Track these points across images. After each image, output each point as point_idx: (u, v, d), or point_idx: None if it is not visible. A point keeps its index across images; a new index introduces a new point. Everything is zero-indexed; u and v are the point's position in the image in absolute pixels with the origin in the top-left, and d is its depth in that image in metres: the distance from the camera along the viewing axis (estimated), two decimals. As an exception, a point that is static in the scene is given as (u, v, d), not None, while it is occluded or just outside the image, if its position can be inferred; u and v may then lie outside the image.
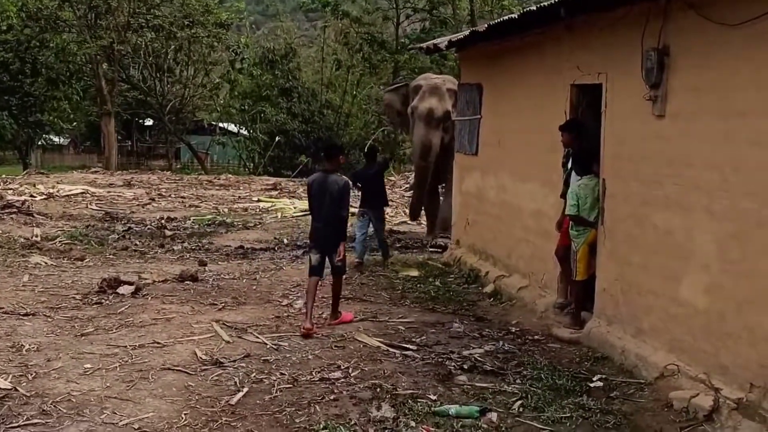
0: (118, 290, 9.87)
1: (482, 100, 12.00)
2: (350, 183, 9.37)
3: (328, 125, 39.72)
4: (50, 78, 38.80)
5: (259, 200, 21.15)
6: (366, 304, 10.01)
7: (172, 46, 40.51)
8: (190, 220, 17.41)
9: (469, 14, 35.61)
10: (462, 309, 9.88)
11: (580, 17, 8.44)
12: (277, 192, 24.26)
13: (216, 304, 9.55)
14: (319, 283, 9.05)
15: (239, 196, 22.54)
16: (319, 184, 8.87)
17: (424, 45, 13.63)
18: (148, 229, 16.14)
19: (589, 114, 8.92)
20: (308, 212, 17.75)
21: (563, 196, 8.91)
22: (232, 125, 45.31)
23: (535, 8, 8.75)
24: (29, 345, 7.69)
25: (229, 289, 10.50)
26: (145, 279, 10.75)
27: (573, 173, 8.69)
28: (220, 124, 46.75)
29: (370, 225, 12.73)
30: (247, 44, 41.02)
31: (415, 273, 11.91)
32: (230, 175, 31.44)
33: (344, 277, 9.55)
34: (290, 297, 10.13)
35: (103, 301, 9.56)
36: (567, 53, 9.19)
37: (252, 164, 40.39)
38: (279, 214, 18.28)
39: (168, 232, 15.54)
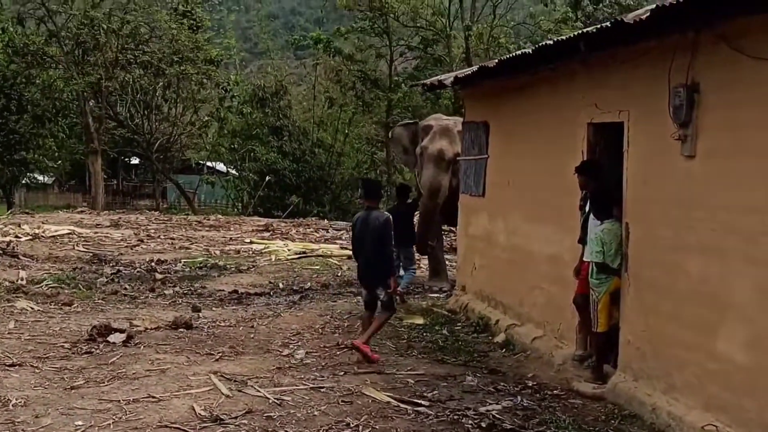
0: (108, 338, 9.32)
1: (489, 138, 11.58)
2: (391, 219, 9.14)
3: (319, 164, 39.22)
4: (36, 115, 38.23)
5: (251, 242, 20.60)
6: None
7: (161, 83, 39.94)
8: (180, 262, 16.83)
9: (464, 52, 35.42)
10: (473, 360, 9.35)
11: (598, 52, 8.03)
12: (269, 233, 23.70)
13: (213, 354, 9.00)
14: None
15: (230, 238, 21.96)
16: (362, 222, 9.17)
17: (428, 81, 13.20)
18: (138, 272, 15.56)
19: (607, 154, 8.51)
20: (303, 254, 17.98)
21: (581, 241, 8.45)
22: (220, 164, 44.89)
23: (551, 42, 8.35)
24: (16, 399, 7.14)
25: (225, 337, 9.96)
26: (137, 326, 10.21)
27: (591, 217, 8.24)
28: (208, 163, 46.31)
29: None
30: (237, 81, 40.68)
31: (420, 321, 11.40)
32: (220, 216, 30.87)
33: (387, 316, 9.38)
34: (291, 346, 9.59)
35: (93, 350, 9.01)
36: (583, 90, 8.78)
37: (241, 204, 39.79)
38: (273, 257, 17.72)
39: (159, 276, 14.97)
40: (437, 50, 37.11)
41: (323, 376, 8.27)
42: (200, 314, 11.37)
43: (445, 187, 13.79)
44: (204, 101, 39.75)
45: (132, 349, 9.09)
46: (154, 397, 7.34)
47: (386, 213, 9.33)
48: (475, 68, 11.34)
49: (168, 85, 40.12)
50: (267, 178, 36.97)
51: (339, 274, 15.94)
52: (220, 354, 9.02)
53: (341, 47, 38.23)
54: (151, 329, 10.12)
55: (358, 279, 9.64)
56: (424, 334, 10.62)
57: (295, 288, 14.39)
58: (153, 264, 16.45)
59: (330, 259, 17.70)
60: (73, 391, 7.48)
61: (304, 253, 18.62)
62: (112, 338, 9.31)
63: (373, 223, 9.03)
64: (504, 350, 9.86)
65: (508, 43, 33.78)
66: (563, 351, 8.90)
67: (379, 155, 41.34)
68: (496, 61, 10.04)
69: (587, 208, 8.41)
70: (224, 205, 43.39)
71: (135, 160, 52.24)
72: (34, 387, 7.57)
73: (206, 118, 39.45)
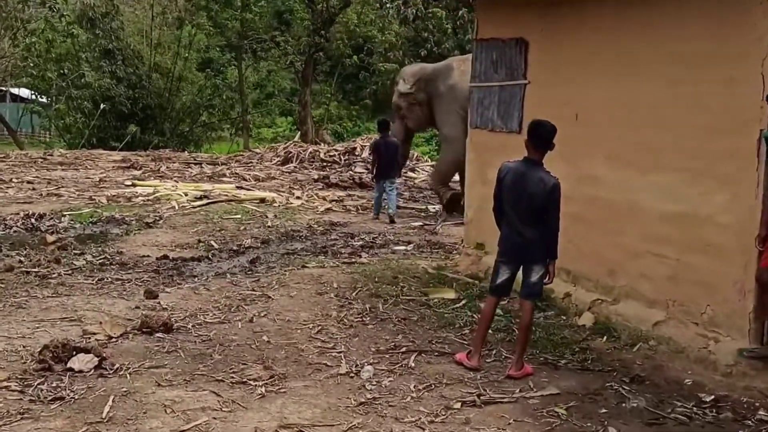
0: (71, 364, 6.09)
1: (528, 59, 8.95)
2: (558, 184, 6.43)
3: (157, 90, 35.14)
4: None
5: (133, 185, 17.00)
6: (443, 359, 6.81)
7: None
8: (65, 216, 13.21)
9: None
10: (588, 360, 6.86)
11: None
12: (138, 171, 20.12)
13: (244, 382, 6.01)
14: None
15: (100, 179, 18.20)
16: (516, 177, 6.53)
17: None
18: (16, 233, 11.96)
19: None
20: (207, 199, 14.78)
21: (768, 199, 6.11)
22: (23, 90, 39.39)
23: None
24: None
25: (231, 344, 6.93)
26: (94, 334, 6.98)
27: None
28: (13, 90, 40.83)
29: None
30: (66, -1, 35.37)
31: (451, 295, 8.75)
32: (62, 150, 26.57)
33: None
34: (335, 356, 6.73)
35: (56, 391, 5.72)
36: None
37: (69, 136, 34.99)
38: (175, 204, 14.40)
39: (49, 238, 11.44)
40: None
41: (435, 413, 5.55)
42: (160, 301, 8.21)
43: None
44: (29, 21, 34.21)
45: (114, 381, 5.92)
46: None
47: (554, 177, 6.44)
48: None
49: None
50: (102, 106, 32.55)
51: (271, 225, 13.00)
52: (255, 381, 6.04)
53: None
54: (117, 338, 6.93)
55: (500, 252, 6.77)
56: (473, 315, 8.01)
57: (234, 248, 11.39)
58: (31, 220, 12.79)
59: (244, 205, 14.63)
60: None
61: (205, 196, 15.42)
62: (76, 364, 6.07)
63: (534, 187, 6.38)
64: (605, 338, 7.43)
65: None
66: (724, 345, 6.55)
67: (227, 80, 37.45)
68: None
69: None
70: (48, 136, 38.33)
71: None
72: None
73: (33, 39, 33.90)
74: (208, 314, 7.80)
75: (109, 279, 9.27)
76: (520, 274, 6.68)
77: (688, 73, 6.91)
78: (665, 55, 7.18)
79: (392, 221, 14.06)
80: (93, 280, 9.16)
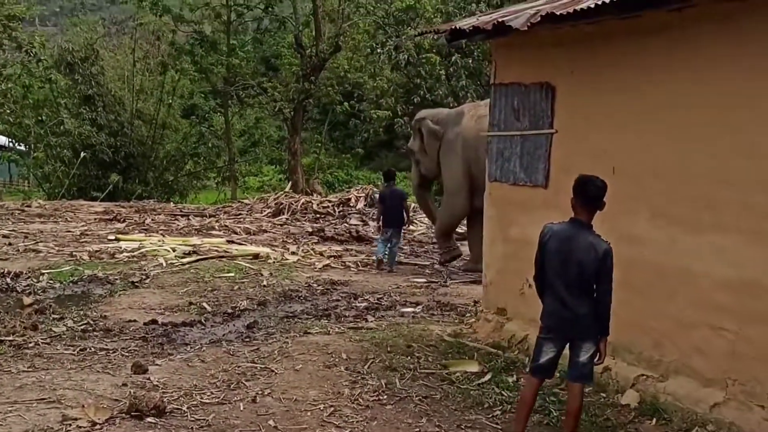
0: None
1: (555, 106, 8.21)
2: (611, 250, 5.66)
3: (140, 138, 34.36)
4: None
5: (117, 239, 16.07)
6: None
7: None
8: (44, 275, 12.28)
9: (312, 13, 31.58)
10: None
11: None
12: (121, 223, 19.23)
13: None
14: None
15: (81, 233, 17.26)
16: (562, 241, 5.77)
17: (444, 27, 9.37)
18: (-12, 293, 11.05)
19: None
20: (197, 254, 13.77)
21: None
22: (2, 138, 38.44)
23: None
24: None
25: (233, 430, 6.05)
26: (75, 419, 6.06)
27: None
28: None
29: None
30: (43, 43, 34.64)
31: (474, 368, 7.89)
32: (41, 201, 25.63)
33: None
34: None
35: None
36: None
37: (48, 185, 34.01)
38: (162, 261, 13.50)
39: (27, 300, 10.53)
40: (282, 10, 32.95)
41: None
42: (150, 377, 7.31)
43: None
44: (4, 66, 33.38)
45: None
46: None
47: (604, 239, 5.69)
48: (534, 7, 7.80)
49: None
50: (82, 154, 31.66)
51: (266, 284, 12.13)
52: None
53: (168, 4, 33.06)
54: (102, 424, 6.01)
55: (544, 328, 5.90)
56: (502, 393, 7.15)
57: (229, 311, 10.51)
58: (6, 279, 11.86)
59: (237, 261, 13.76)
60: None
61: (194, 251, 14.54)
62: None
63: (584, 251, 5.62)
64: (654, 421, 6.58)
65: (368, 2, 30.12)
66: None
67: (213, 128, 36.68)
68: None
69: None
70: (26, 185, 37.33)
71: None
72: None
73: (9, 85, 33.00)
74: (204, 393, 6.90)
75: (93, 348, 8.36)
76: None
77: (754, 117, 6.15)
78: (726, 95, 6.40)
79: (389, 270, 14.00)
80: (74, 350, 8.25)
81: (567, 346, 5.87)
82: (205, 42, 32.39)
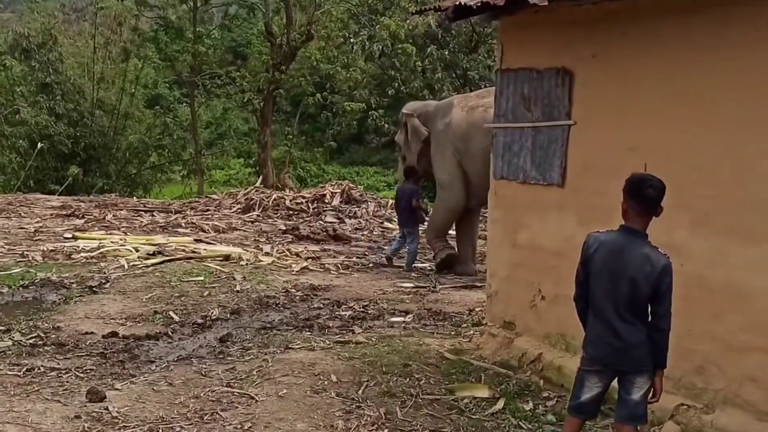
0: None
1: (573, 95, 7.25)
2: (670, 264, 4.78)
3: (101, 129, 32.97)
4: None
5: (74, 237, 14.87)
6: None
7: None
8: (-8, 279, 11.14)
9: (283, -1, 30.42)
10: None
11: None
12: (79, 219, 17.99)
13: None
14: None
15: (35, 229, 16.03)
16: (612, 254, 4.82)
17: (447, 4, 8.33)
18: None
19: None
20: (162, 255, 12.63)
21: None
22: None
23: None
24: None
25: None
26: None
27: None
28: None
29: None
30: (-2, 29, 33.15)
31: (484, 393, 6.91)
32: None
33: None
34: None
35: None
36: None
37: (2, 177, 32.50)
38: (124, 262, 12.37)
39: (-31, 308, 9.41)
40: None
41: None
42: (109, 404, 6.24)
43: None
44: (-41, 52, 31.85)
45: None
46: None
47: (663, 251, 4.79)
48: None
49: None
50: (39, 145, 30.21)
51: (240, 289, 11.09)
52: None
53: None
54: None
55: (588, 358, 4.98)
56: (521, 424, 6.19)
57: (199, 321, 9.47)
58: (-51, 285, 10.72)
59: (206, 263, 12.67)
60: None
61: (159, 252, 13.41)
62: None
63: (638, 266, 4.72)
64: (699, 460, 5.66)
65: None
66: None
67: (178, 119, 35.31)
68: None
69: None
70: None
71: None
72: None
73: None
74: (173, 427, 5.85)
75: (42, 368, 7.29)
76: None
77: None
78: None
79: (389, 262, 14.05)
80: (20, 370, 7.16)
81: (615, 380, 4.91)
82: (170, 28, 31.13)
